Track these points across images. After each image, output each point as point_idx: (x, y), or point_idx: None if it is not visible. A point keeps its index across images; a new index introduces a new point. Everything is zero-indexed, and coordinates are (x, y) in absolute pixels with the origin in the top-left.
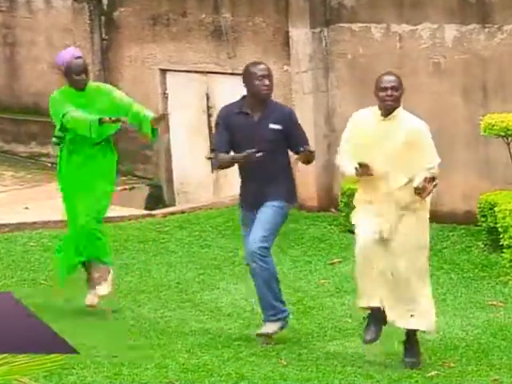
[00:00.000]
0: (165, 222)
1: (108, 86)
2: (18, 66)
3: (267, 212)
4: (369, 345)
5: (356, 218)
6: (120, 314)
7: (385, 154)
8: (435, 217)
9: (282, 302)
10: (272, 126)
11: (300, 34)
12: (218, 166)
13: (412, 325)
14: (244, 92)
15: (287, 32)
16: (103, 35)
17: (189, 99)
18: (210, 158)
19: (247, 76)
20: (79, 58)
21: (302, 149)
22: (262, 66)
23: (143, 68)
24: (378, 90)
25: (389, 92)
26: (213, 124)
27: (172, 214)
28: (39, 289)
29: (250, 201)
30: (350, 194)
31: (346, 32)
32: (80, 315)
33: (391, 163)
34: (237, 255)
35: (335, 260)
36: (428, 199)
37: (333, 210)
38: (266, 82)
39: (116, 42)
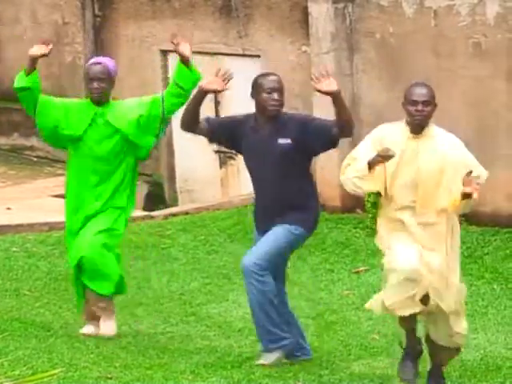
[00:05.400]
0: (166, 225)
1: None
2: None
3: (278, 231)
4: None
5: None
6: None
7: (415, 179)
8: (475, 219)
9: (282, 329)
10: (281, 140)
11: (321, 10)
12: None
13: None
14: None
15: (306, 7)
16: (96, 11)
17: None
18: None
19: (254, 88)
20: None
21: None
22: (272, 78)
23: (141, 49)
24: (408, 103)
25: (419, 107)
26: (221, 113)
27: (174, 215)
28: (23, 300)
29: (261, 222)
30: (378, 193)
31: (373, 8)
32: (71, 331)
33: (422, 190)
34: None
35: (361, 268)
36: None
37: (358, 210)
38: (275, 96)
39: (110, 19)
